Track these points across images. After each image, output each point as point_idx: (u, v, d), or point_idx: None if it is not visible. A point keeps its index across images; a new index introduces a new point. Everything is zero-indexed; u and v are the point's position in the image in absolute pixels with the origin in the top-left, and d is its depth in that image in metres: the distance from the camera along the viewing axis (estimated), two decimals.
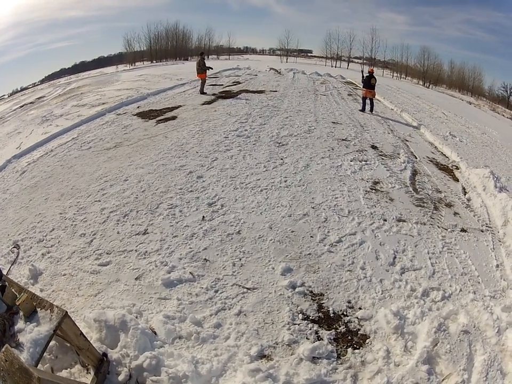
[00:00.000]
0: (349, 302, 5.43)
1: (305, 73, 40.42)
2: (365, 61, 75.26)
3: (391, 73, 74.48)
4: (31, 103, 26.48)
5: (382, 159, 11.40)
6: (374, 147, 12.57)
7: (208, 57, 69.03)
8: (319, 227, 7.20)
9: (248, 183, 8.79)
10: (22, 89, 49.14)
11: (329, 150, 11.51)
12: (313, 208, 7.87)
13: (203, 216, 7.29)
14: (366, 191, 8.94)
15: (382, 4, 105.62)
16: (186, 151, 10.75)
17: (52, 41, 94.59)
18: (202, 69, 20.64)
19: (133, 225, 7.04)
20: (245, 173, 9.37)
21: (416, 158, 12.19)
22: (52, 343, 3.69)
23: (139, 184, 8.66)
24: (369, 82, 19.13)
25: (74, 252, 6.30)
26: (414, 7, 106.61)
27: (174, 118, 15.12)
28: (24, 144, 13.07)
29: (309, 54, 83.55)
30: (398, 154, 12.13)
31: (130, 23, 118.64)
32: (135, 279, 5.63)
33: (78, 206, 7.88)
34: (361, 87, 20.41)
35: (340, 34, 76.99)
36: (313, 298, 5.42)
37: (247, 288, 5.49)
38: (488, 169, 10.54)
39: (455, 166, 12.13)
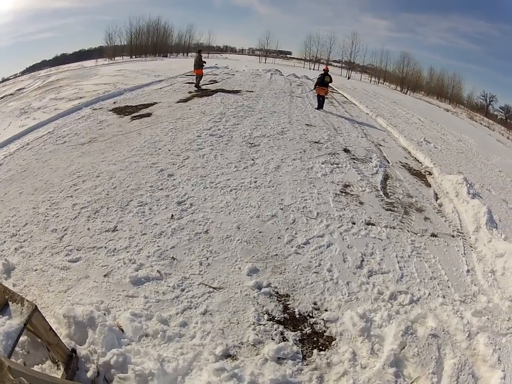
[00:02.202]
0: (315, 303, 5.47)
1: (283, 75, 40.59)
2: (343, 65, 75.62)
3: (369, 78, 74.73)
4: (11, 94, 25.94)
5: (354, 162, 11.53)
6: (346, 150, 12.72)
7: (188, 55, 68.86)
8: (287, 228, 7.26)
9: (218, 183, 8.81)
10: (4, 80, 48.44)
11: (301, 152, 11.60)
12: (281, 209, 7.93)
13: (172, 215, 7.29)
14: (336, 193, 9.03)
15: (366, 8, 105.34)
16: (159, 149, 10.74)
17: (37, 32, 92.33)
18: (199, 65, 22.39)
19: (103, 222, 7.01)
20: (216, 172, 9.39)
21: (389, 163, 12.39)
22: (24, 338, 3.67)
23: (111, 181, 8.61)
24: (323, 80, 19.62)
25: (45, 248, 6.21)
26: (399, 13, 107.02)
27: (149, 115, 15.07)
28: (1, 137, 12.75)
29: (288, 56, 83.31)
30: (370, 158, 12.28)
31: (114, 16, 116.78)
32: (104, 276, 5.60)
33: (51, 201, 7.79)
34: (314, 84, 21.06)
35: (320, 37, 76.62)
36: (279, 299, 5.46)
37: (213, 288, 5.51)
38: (462, 175, 10.79)
39: (428, 171, 12.35)
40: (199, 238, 6.68)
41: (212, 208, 7.66)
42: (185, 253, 6.23)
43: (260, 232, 7.03)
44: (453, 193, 10.14)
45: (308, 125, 15.65)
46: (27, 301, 3.30)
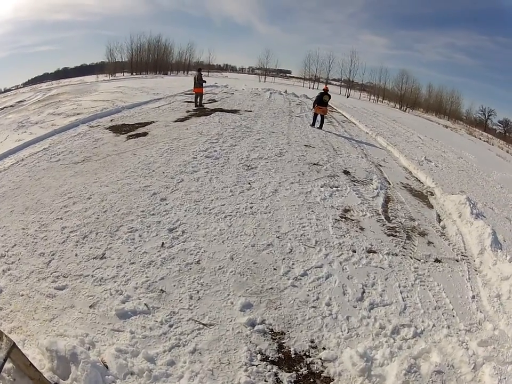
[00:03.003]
0: (312, 341, 5.12)
1: (282, 94, 40.51)
2: (342, 83, 76.02)
3: (368, 96, 75.22)
4: (11, 106, 26.22)
5: (354, 185, 11.23)
6: (346, 172, 12.43)
7: (188, 73, 69.28)
8: (284, 259, 6.90)
9: (212, 208, 8.46)
10: (6, 90, 49.11)
11: (299, 175, 11.28)
12: (278, 237, 7.58)
13: (163, 243, 6.97)
14: (336, 219, 8.69)
15: (363, 26, 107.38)
16: (153, 171, 10.45)
17: (37, 44, 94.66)
18: (199, 83, 22.45)
19: (91, 248, 6.72)
20: (210, 197, 9.06)
21: (390, 184, 12.10)
22: (10, 365, 3.49)
23: (101, 204, 8.33)
24: (321, 99, 19.53)
25: (32, 272, 5.97)
26: (396, 30, 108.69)
27: (145, 134, 14.82)
28: None
29: (287, 75, 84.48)
30: (370, 180, 11.99)
31: (115, 32, 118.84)
32: (90, 306, 5.32)
33: (41, 222, 7.55)
34: (312, 103, 20.92)
35: (319, 55, 77.45)
36: (273, 337, 5.12)
37: (204, 324, 5.18)
38: (464, 195, 10.56)
39: (429, 192, 12.07)
40: (190, 269, 6.34)
41: (204, 236, 7.32)
42: (174, 285, 5.90)
43: (255, 263, 6.68)
44: (456, 214, 9.88)
45: (306, 145, 15.38)
46: (6, 336, 3.25)
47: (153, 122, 17.34)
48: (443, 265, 7.45)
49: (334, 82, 75.72)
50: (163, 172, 10.38)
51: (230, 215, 8.25)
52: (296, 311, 5.63)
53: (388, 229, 8.67)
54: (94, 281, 5.87)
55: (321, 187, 10.52)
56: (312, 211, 8.93)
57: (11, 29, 79.24)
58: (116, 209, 8.14)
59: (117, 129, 15.64)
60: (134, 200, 8.58)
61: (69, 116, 18.43)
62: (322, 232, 8.00)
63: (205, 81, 23.43)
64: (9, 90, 49.73)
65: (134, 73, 69.23)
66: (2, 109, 25.14)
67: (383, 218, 9.22)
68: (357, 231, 8.31)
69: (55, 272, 6.03)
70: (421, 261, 7.47)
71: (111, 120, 17.57)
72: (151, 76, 64.58)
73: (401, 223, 9.13)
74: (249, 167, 11.49)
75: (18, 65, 79.91)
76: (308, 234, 7.82)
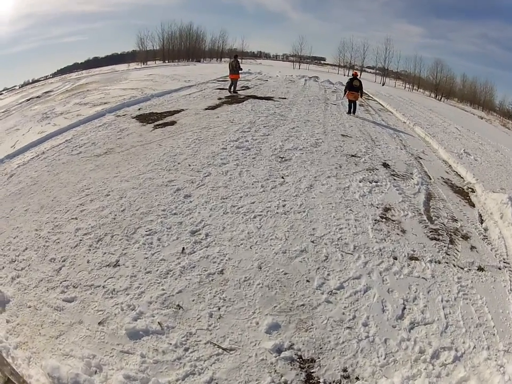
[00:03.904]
0: (345, 370, 4.45)
1: (317, 81, 40.00)
2: (377, 71, 75.39)
3: (403, 85, 74.35)
4: (37, 97, 26.11)
5: (394, 179, 10.45)
6: (385, 165, 11.64)
7: (221, 60, 69.25)
8: (318, 268, 6.15)
9: (241, 207, 7.74)
10: (34, 82, 49.57)
11: (336, 168, 10.52)
12: (313, 242, 6.81)
13: (183, 248, 6.28)
14: (376, 220, 7.92)
15: (398, 14, 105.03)
16: (178, 163, 9.80)
17: (65, 35, 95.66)
18: (235, 70, 21.89)
19: (105, 253, 6.13)
20: (239, 193, 8.35)
21: (431, 179, 11.28)
22: None
23: (120, 202, 7.73)
24: (351, 85, 19.30)
25: (42, 280, 5.55)
26: (430, 19, 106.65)
27: (173, 123, 14.22)
28: (19, 143, 12.43)
29: (321, 62, 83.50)
30: (411, 174, 11.19)
31: (144, 21, 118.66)
32: (99, 323, 4.77)
33: (54, 223, 7.04)
34: (343, 89, 20.56)
35: (353, 43, 76.49)
36: (301, 365, 4.43)
37: (223, 349, 4.49)
38: (507, 194, 9.76)
39: (470, 188, 11.28)
40: (212, 280, 5.66)
41: (230, 241, 6.60)
42: (193, 300, 5.24)
43: (285, 273, 5.94)
44: (498, 215, 9.12)
45: (343, 135, 14.58)
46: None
47: (183, 110, 16.76)
48: (486, 274, 6.72)
49: (369, 70, 75.19)
50: (189, 165, 9.73)
51: (260, 215, 7.51)
52: (330, 333, 4.95)
53: (430, 232, 7.90)
54: (105, 293, 5.34)
55: (360, 182, 9.76)
56: (350, 210, 8.19)
57: (38, 21, 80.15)
58: (135, 207, 7.54)
59: (144, 118, 15.12)
60: (155, 197, 7.96)
61: (95, 106, 18.06)
62: (361, 236, 7.24)
63: (241, 68, 22.90)
64: (38, 81, 50.01)
65: (166, 61, 69.34)
66: (29, 100, 25.15)
67: (425, 218, 8.46)
68: (398, 234, 7.54)
69: (65, 281, 5.58)
70: (464, 269, 6.75)
71: (139, 109, 17.02)
72: (183, 63, 64.64)
73: (444, 225, 8.36)
74: (283, 159, 10.73)
75: (48, 56, 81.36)
76: (346, 238, 7.07)
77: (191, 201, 7.83)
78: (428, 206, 9.17)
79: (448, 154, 14.79)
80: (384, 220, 8.01)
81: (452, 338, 5.06)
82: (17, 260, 6.01)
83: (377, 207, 8.51)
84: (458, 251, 7.31)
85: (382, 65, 75.05)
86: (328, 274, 6.03)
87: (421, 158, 13.52)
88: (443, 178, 11.74)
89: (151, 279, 5.59)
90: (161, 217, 7.15)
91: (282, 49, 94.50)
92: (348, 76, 63.03)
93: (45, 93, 27.89)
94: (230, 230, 6.94)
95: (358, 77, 19.74)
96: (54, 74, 57.34)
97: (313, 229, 7.24)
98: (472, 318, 5.49)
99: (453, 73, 71.60)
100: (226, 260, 6.11)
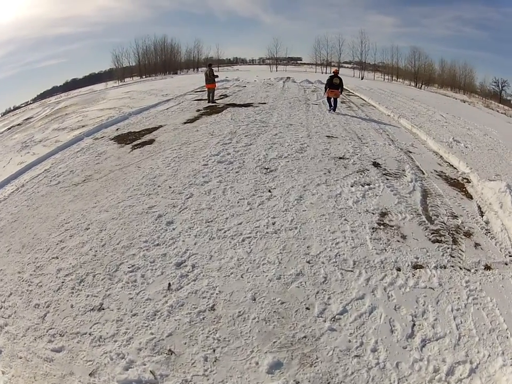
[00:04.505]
0: None
1: (295, 82, 40.11)
2: (355, 65, 76.01)
3: (382, 76, 75.05)
4: (18, 124, 25.93)
5: (387, 179, 10.02)
6: (376, 164, 11.22)
7: (198, 70, 69.74)
8: (317, 292, 5.65)
9: (227, 230, 7.19)
10: (15, 108, 50.14)
11: (325, 174, 10.04)
12: (309, 262, 6.31)
13: (169, 284, 5.76)
14: (373, 228, 7.45)
15: (369, 6, 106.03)
16: (158, 186, 9.32)
17: (42, 59, 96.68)
18: (211, 79, 21.88)
19: (88, 296, 5.67)
20: (225, 214, 7.80)
21: (424, 174, 10.90)
22: None
23: (100, 235, 7.24)
24: (331, 82, 19.44)
25: (29, 329, 5.19)
26: (402, 7, 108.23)
27: (151, 141, 13.78)
28: (0, 176, 11.90)
29: (298, 62, 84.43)
30: (403, 171, 10.81)
31: (119, 38, 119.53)
32: (89, 374, 4.38)
33: (36, 263, 6.63)
34: (324, 87, 20.59)
35: (328, 39, 76.95)
36: None
37: None
38: (504, 182, 9.48)
39: (465, 178, 10.97)
40: (203, 318, 5.14)
41: (219, 270, 6.07)
42: (185, 343, 4.74)
43: (282, 302, 5.43)
44: (497, 205, 8.83)
45: (329, 136, 14.14)
46: None
47: (161, 126, 16.37)
48: (493, 272, 6.38)
49: (346, 65, 75.60)
50: (169, 187, 9.24)
51: (249, 237, 6.98)
52: (337, 365, 4.50)
53: (431, 233, 7.49)
54: (92, 341, 4.90)
55: (352, 186, 9.31)
56: (345, 220, 7.71)
57: (15, 48, 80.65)
58: (115, 241, 7.04)
59: (122, 139, 14.70)
60: (136, 227, 7.46)
61: (73, 130, 17.69)
62: (360, 248, 6.76)
63: (217, 76, 22.87)
64: (19, 107, 50.24)
65: (143, 76, 70.21)
66: (10, 128, 24.90)
67: (424, 219, 8.04)
68: (398, 241, 7.09)
69: (51, 329, 5.18)
70: (471, 271, 6.38)
71: (117, 129, 16.64)
72: (161, 77, 65.60)
73: (444, 223, 7.98)
74: (268, 170, 10.23)
75: (27, 82, 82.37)
76: (344, 253, 6.59)
77: (174, 229, 7.34)
78: (425, 205, 8.81)
79: (438, 144, 14.61)
80: (382, 226, 7.57)
81: (465, 350, 4.75)
82: (3, 307, 5.68)
83: (373, 213, 8.08)
84: (462, 251, 6.96)
85: (359, 59, 75.74)
86: (329, 298, 5.56)
87: (411, 152, 13.21)
88: (436, 172, 11.41)
89: (138, 322, 5.13)
90: (143, 250, 6.67)
91: (258, 53, 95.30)
92: (325, 73, 63.86)
93: (25, 120, 27.76)
94: (218, 258, 6.42)
95: (338, 74, 19.76)
96: (34, 100, 58.05)
97: (307, 247, 6.75)
98: (484, 324, 5.19)
99: (431, 60, 72.64)
100: (217, 294, 5.60)
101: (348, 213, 8.01)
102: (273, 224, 7.42)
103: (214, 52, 78.91)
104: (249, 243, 6.81)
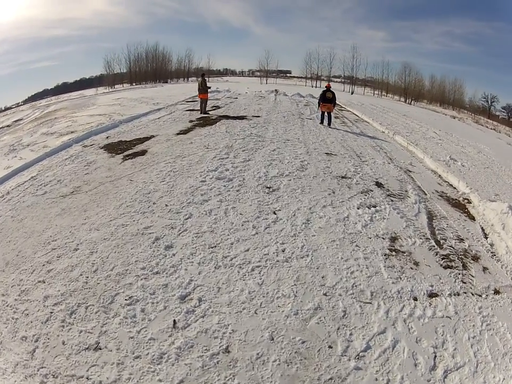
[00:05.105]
0: None
1: (287, 95, 40.06)
2: (344, 80, 76.91)
3: (372, 91, 75.95)
4: (7, 126, 25.52)
5: (392, 200, 9.71)
6: (378, 184, 10.93)
7: (188, 80, 70.03)
8: (338, 328, 5.20)
9: (234, 257, 6.55)
10: (6, 109, 50.26)
11: (330, 194, 9.63)
12: (325, 295, 5.81)
13: (174, 321, 5.08)
14: (385, 254, 7.11)
15: (360, 20, 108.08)
16: (153, 203, 8.69)
17: (36, 60, 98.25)
18: (204, 89, 21.84)
19: (81, 332, 4.98)
20: (229, 238, 7.17)
21: (426, 195, 10.70)
22: None
23: (91, 258, 6.54)
24: (324, 97, 20.01)
25: (17, 365, 4.50)
26: (392, 22, 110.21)
27: (143, 152, 13.22)
28: None
29: (287, 75, 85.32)
30: (406, 192, 10.58)
31: (112, 44, 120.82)
32: None
33: (21, 286, 5.93)
34: (317, 101, 21.49)
35: (319, 53, 77.72)
36: None
37: None
38: (506, 203, 9.43)
39: (466, 199, 10.88)
40: (218, 362, 4.53)
41: (229, 305, 5.45)
42: None
43: (303, 341, 4.90)
44: (499, 226, 8.72)
45: (328, 153, 13.85)
46: None
47: (153, 136, 15.84)
48: (502, 296, 6.37)
49: (335, 80, 76.08)
50: (166, 205, 8.61)
51: (259, 266, 6.39)
52: None
53: (442, 259, 7.30)
54: None
55: (358, 208, 8.95)
56: (357, 246, 7.27)
57: (9, 47, 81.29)
58: (108, 266, 6.33)
59: (113, 148, 14.13)
60: (131, 250, 6.76)
61: (62, 135, 17.06)
62: (376, 277, 6.39)
63: (209, 87, 22.93)
64: (10, 108, 50.28)
65: (134, 84, 70.51)
66: None
67: (433, 244, 7.80)
68: (412, 268, 6.82)
69: (42, 368, 4.48)
70: (482, 296, 6.32)
71: (107, 137, 16.06)
72: (151, 85, 65.82)
73: (453, 247, 7.79)
74: (270, 189, 9.74)
75: (18, 83, 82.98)
76: (360, 284, 6.17)
77: (174, 254, 6.66)
78: (432, 228, 8.58)
79: (436, 163, 14.51)
80: (394, 253, 7.25)
81: (483, 377, 4.76)
82: None
83: (384, 238, 7.73)
84: (472, 276, 6.89)
85: (350, 73, 76.74)
86: (351, 334, 5.16)
87: (410, 171, 13.03)
88: (437, 192, 11.24)
89: (143, 366, 4.47)
90: (141, 279, 5.98)
91: (248, 65, 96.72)
92: (316, 87, 64.25)
93: (15, 121, 27.44)
94: (227, 290, 5.80)
95: (331, 89, 20.32)
96: (25, 101, 58.22)
97: (322, 277, 6.25)
98: (498, 349, 5.20)
99: (421, 75, 73.93)
100: (230, 333, 4.99)
101: (358, 238, 7.62)
102: (283, 251, 6.89)
103: (205, 62, 79.93)
104: (259, 273, 6.25)
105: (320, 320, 5.31)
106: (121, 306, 5.40)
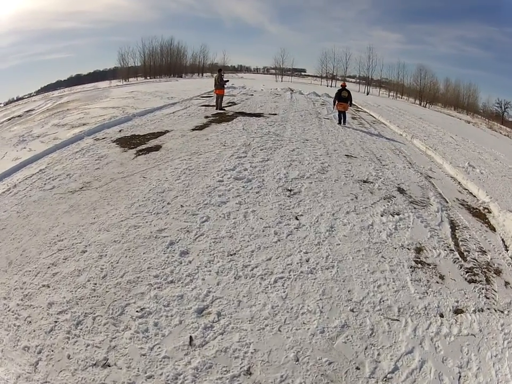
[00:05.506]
0: None
1: (303, 93, 39.79)
2: (360, 80, 76.61)
3: (387, 93, 75.49)
4: (19, 116, 25.11)
5: (415, 208, 9.38)
6: (400, 190, 10.58)
7: (203, 75, 70.00)
8: (366, 348, 4.86)
9: (255, 267, 6.13)
10: (18, 99, 50.27)
11: (353, 200, 9.25)
12: (352, 311, 5.44)
13: (191, 338, 4.66)
14: (411, 266, 6.81)
15: (374, 22, 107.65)
16: (168, 204, 8.27)
17: (47, 52, 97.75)
18: (221, 84, 21.29)
19: (88, 345, 4.58)
20: (249, 245, 6.75)
21: (448, 203, 10.38)
22: None
23: (99, 263, 6.13)
24: (340, 96, 20.09)
25: (19, 377, 4.19)
26: (406, 24, 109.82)
27: (157, 148, 12.86)
28: None
29: (302, 73, 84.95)
30: (428, 199, 10.31)
31: (125, 37, 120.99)
32: None
33: (24, 290, 5.58)
34: (332, 101, 21.61)
35: (335, 53, 77.39)
36: None
37: None
38: None
39: (486, 208, 10.69)
40: None
41: (251, 322, 5.01)
42: None
43: (330, 362, 4.53)
44: None
45: (348, 156, 13.51)
46: None
47: (168, 131, 15.47)
48: None
49: (351, 80, 75.74)
50: (181, 206, 8.19)
51: (282, 278, 5.96)
52: None
53: (466, 272, 7.05)
54: None
55: (382, 216, 8.59)
56: (382, 257, 6.91)
57: (19, 39, 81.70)
58: (118, 272, 5.92)
59: (125, 142, 13.80)
60: (143, 255, 6.34)
61: (73, 127, 16.77)
62: (402, 292, 6.08)
63: (227, 80, 22.61)
64: (22, 98, 50.22)
65: (148, 77, 70.55)
66: (10, 119, 24.18)
67: (457, 256, 7.55)
68: (437, 282, 6.55)
69: (46, 382, 4.16)
70: (504, 312, 6.08)
71: (120, 131, 15.75)
72: (165, 79, 65.85)
73: (476, 260, 7.54)
74: (291, 192, 9.33)
75: (31, 74, 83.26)
76: (387, 299, 5.83)
77: (190, 261, 6.23)
78: (455, 239, 8.33)
79: (455, 170, 14.26)
80: (419, 265, 6.97)
81: None
82: None
83: (409, 249, 7.41)
84: (495, 291, 6.64)
85: (365, 74, 76.29)
86: (379, 354, 4.85)
87: (430, 177, 12.70)
88: (458, 200, 10.96)
89: None
90: (154, 288, 5.55)
91: (262, 63, 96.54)
92: (331, 86, 63.97)
93: (26, 111, 27.03)
94: (248, 304, 5.36)
95: (346, 88, 20.40)
96: (38, 92, 58.58)
97: (348, 291, 5.87)
98: None
99: (436, 79, 73.15)
100: (252, 353, 4.57)
101: (383, 248, 7.28)
102: (307, 261, 6.48)
103: (220, 58, 79.59)
104: (282, 285, 5.83)
105: (348, 339, 4.98)
106: (132, 318, 5.01)
